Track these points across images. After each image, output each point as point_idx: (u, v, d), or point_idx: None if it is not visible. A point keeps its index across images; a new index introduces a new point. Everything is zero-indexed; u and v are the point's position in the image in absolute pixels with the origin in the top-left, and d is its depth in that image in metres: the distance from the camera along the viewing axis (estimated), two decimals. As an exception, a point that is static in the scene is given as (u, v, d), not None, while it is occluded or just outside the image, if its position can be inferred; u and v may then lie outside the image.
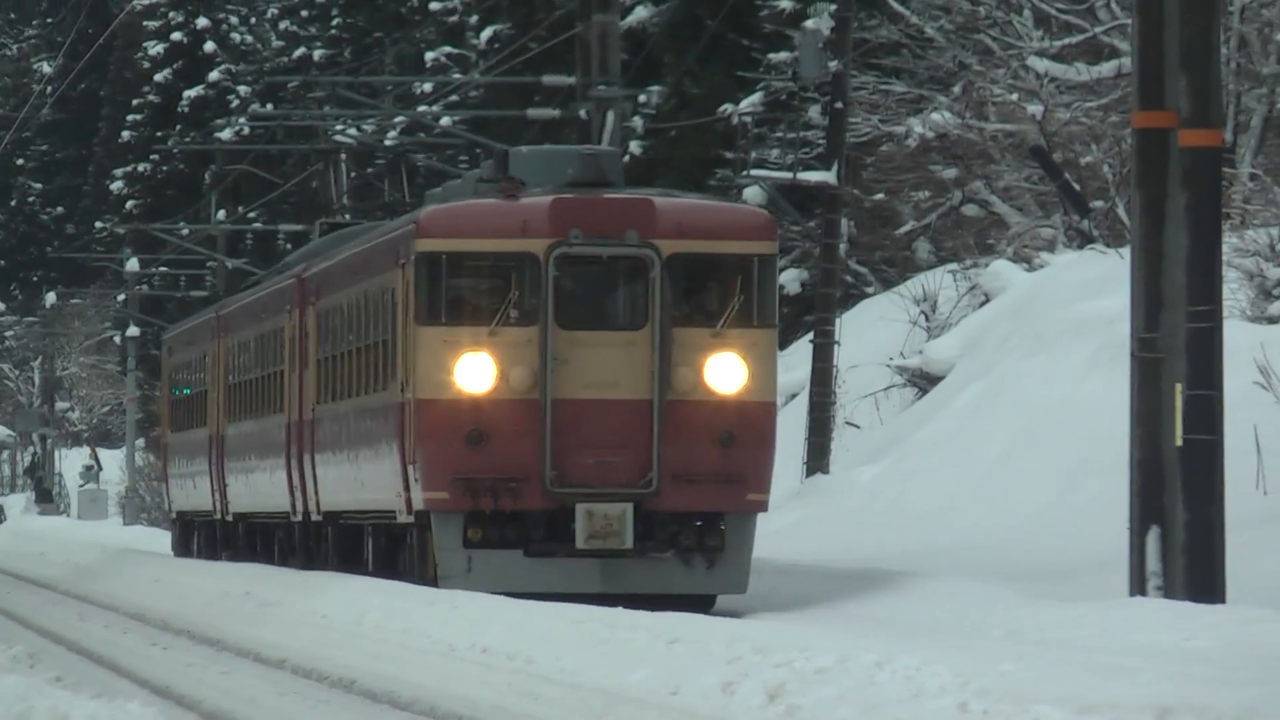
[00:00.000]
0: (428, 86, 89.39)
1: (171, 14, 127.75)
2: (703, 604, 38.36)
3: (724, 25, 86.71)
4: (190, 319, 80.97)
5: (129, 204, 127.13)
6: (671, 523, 39.74)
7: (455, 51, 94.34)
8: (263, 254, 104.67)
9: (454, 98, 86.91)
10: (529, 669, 31.97)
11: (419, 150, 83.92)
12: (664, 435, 39.40)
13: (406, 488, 41.39)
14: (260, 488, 60.79)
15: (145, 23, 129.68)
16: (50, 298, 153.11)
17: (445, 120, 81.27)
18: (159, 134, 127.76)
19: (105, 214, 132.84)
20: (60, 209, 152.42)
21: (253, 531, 64.46)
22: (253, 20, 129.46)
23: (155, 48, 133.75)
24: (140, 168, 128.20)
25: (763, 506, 39.86)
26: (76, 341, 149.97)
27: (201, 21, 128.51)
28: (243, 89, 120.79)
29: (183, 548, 75.42)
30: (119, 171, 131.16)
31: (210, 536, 71.42)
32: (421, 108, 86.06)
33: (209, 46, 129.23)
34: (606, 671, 30.24)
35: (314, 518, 53.97)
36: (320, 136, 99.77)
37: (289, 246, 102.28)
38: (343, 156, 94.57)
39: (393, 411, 42.93)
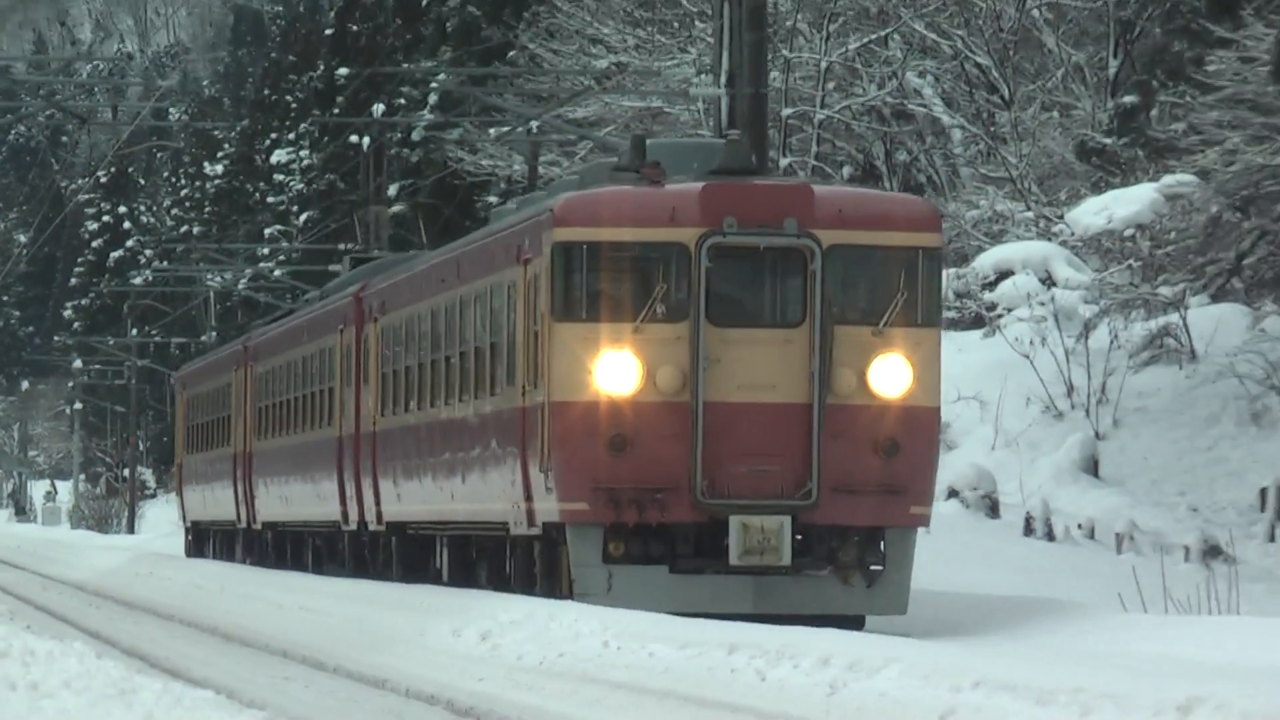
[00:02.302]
0: (266, 250, 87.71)
1: (103, 203, 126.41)
2: (855, 624, 25.96)
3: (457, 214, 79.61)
4: (205, 357, 68.63)
5: (75, 324, 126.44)
6: (830, 537, 26.26)
7: (284, 228, 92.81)
8: (161, 358, 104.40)
9: (282, 257, 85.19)
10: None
11: (260, 290, 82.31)
12: (823, 442, 26.05)
13: (529, 498, 27.89)
14: (297, 498, 45.40)
15: (86, 209, 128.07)
16: (24, 385, 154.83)
17: (277, 272, 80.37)
18: (94, 280, 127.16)
19: (60, 331, 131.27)
20: (31, 328, 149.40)
21: (282, 539, 49.40)
22: (155, 207, 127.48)
23: (92, 225, 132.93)
24: (83, 301, 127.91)
25: (925, 521, 27.23)
26: (41, 412, 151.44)
27: (122, 209, 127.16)
28: (148, 251, 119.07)
29: (196, 550, 62.26)
30: (69, 304, 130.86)
31: (227, 542, 56.79)
32: (262, 264, 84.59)
33: (127, 224, 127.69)
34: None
35: (373, 528, 38.35)
36: (198, 282, 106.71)
37: (178, 353, 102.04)
38: (212, 295, 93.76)
39: (510, 417, 28.93)
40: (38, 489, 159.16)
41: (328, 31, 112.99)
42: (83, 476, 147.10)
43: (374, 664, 25.63)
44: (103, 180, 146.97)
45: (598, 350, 26.12)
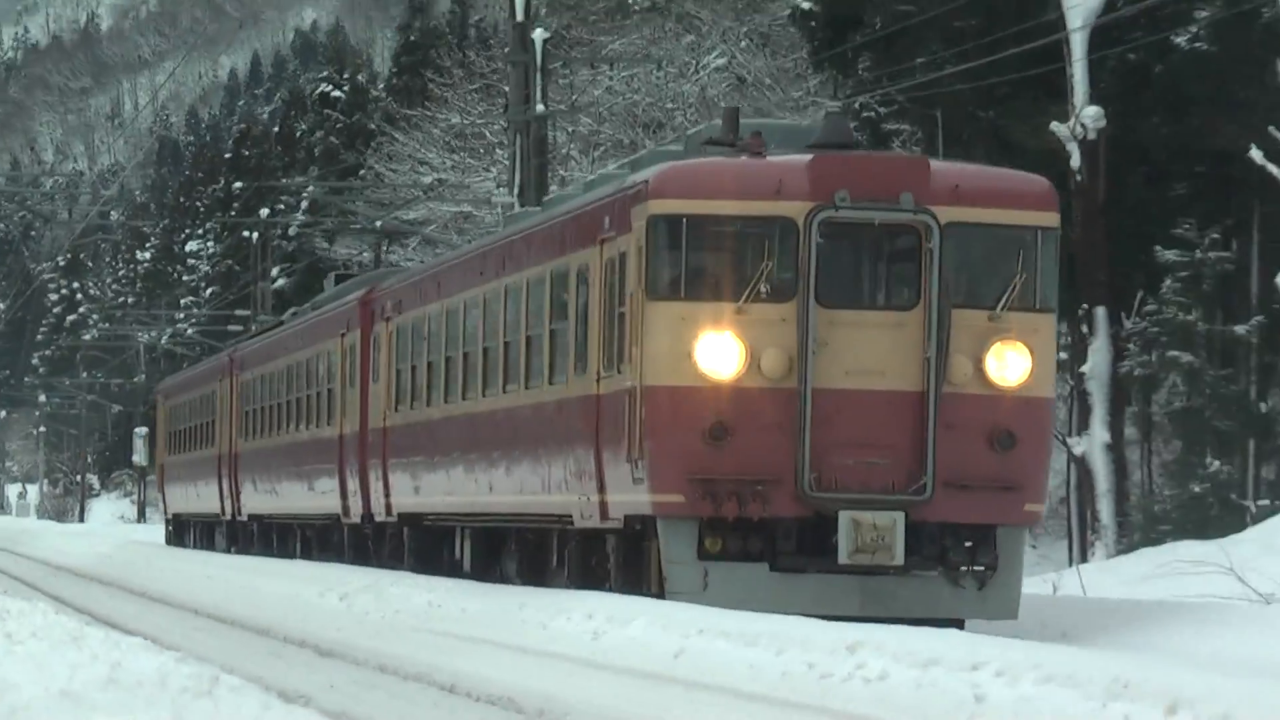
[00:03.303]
0: (182, 315, 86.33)
1: (62, 280, 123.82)
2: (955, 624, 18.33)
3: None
4: (189, 370, 60.30)
5: (41, 369, 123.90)
6: (942, 535, 18.56)
7: (195, 299, 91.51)
8: (105, 394, 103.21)
9: (194, 320, 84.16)
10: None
11: (178, 345, 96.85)
12: (938, 433, 18.44)
13: (601, 489, 19.80)
14: (287, 493, 36.53)
15: (49, 285, 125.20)
16: (3, 413, 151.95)
17: (190, 331, 79.32)
18: (55, 337, 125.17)
19: (29, 374, 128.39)
20: (7, 370, 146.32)
21: (268, 529, 40.66)
22: (100, 283, 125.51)
23: (54, 296, 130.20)
24: (46, 352, 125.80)
25: (1039, 519, 20.32)
26: (15, 434, 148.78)
27: (76, 284, 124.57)
28: (95, 316, 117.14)
29: (177, 539, 53.78)
30: (36, 354, 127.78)
31: (206, 533, 48.94)
32: (179, 325, 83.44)
33: (79, 296, 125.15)
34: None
35: (380, 519, 29.57)
36: (132, 338, 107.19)
37: (117, 390, 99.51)
38: (142, 347, 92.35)
39: (578, 405, 20.62)
40: (12, 490, 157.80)
41: (227, 155, 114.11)
42: (46, 480, 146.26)
43: (264, 619, 23.47)
44: (61, 264, 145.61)
45: (697, 331, 18.51)
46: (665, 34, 52.55)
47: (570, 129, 54.04)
